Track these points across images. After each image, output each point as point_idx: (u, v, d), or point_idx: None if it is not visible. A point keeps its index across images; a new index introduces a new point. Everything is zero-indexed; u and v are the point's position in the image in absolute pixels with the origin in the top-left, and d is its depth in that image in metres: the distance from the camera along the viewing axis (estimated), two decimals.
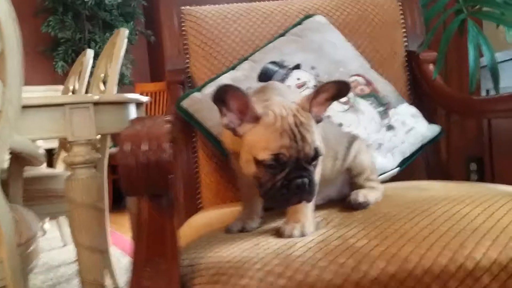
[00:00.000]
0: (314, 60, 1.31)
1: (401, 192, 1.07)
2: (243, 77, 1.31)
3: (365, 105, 1.26)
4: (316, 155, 0.84)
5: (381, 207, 0.95)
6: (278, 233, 0.88)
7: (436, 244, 0.76)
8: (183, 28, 1.50)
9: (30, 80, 4.41)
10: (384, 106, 1.28)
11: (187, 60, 1.48)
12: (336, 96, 0.89)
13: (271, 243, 0.83)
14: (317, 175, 0.87)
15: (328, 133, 0.98)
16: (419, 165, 1.43)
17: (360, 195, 0.97)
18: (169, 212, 0.84)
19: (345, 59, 1.34)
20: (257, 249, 0.82)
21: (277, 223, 0.95)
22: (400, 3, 1.58)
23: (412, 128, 1.28)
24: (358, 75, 1.32)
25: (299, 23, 1.42)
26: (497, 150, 1.73)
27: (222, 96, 0.86)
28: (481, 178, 2.05)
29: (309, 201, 0.86)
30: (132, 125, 0.83)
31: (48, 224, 3.32)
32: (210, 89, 1.30)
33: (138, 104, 1.84)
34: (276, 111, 0.85)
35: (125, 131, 0.81)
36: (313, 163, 0.85)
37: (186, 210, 1.40)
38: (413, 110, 1.33)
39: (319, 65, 1.30)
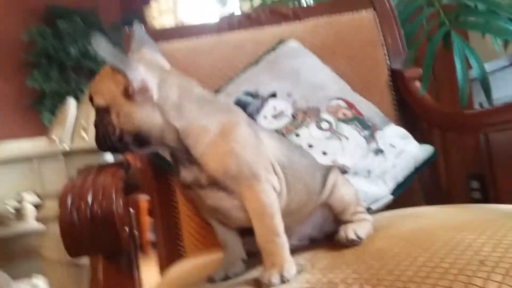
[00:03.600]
0: (290, 87, 1.22)
1: (396, 222, 0.96)
2: None
3: (349, 130, 1.16)
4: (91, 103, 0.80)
5: (375, 241, 0.84)
6: (258, 283, 0.76)
7: (439, 285, 0.64)
8: None
9: (19, 133, 4.35)
10: (369, 130, 1.18)
11: None
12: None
13: None
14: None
15: (298, 163, 0.87)
16: (416, 189, 1.32)
17: (350, 231, 0.85)
18: (129, 272, 0.72)
19: (323, 83, 1.25)
20: None
21: (260, 269, 0.83)
22: (378, 21, 1.50)
23: (403, 150, 1.17)
24: (339, 98, 1.22)
25: (273, 49, 1.33)
26: (499, 165, 1.62)
27: None
28: (485, 196, 1.94)
29: (99, 146, 0.79)
30: (78, 175, 0.73)
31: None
32: None
33: None
34: None
35: (67, 182, 0.70)
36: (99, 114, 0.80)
37: (167, 258, 1.29)
38: (401, 131, 1.22)
39: (296, 91, 1.21)
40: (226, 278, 0.84)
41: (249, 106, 1.19)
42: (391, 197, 1.14)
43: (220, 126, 0.79)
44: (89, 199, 0.67)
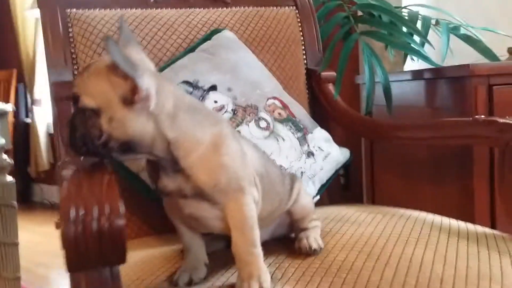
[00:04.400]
0: (230, 81, 1.22)
1: (335, 228, 1.04)
2: None
3: (284, 131, 1.21)
4: (75, 102, 0.76)
5: (333, 251, 0.90)
6: None
7: None
8: (69, 34, 1.30)
9: None
10: (301, 132, 1.24)
11: (76, 72, 1.28)
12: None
13: None
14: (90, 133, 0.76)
15: (272, 172, 0.90)
16: None
17: (313, 241, 0.91)
18: (117, 284, 0.69)
19: (260, 80, 1.27)
20: None
21: (224, 273, 0.86)
22: (299, 19, 1.55)
23: (329, 153, 1.26)
24: (274, 97, 1.25)
25: (208, 38, 1.31)
26: (378, 166, 1.81)
27: None
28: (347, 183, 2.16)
29: (75, 150, 0.77)
30: (69, 181, 0.66)
31: None
32: None
33: (1, 114, 1.58)
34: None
35: (64, 192, 0.64)
36: (81, 115, 0.75)
37: None
38: (325, 134, 1.31)
39: (236, 86, 1.21)
40: (191, 282, 0.84)
41: None
42: (318, 198, 1.22)
43: (211, 138, 0.78)
44: (95, 212, 0.62)
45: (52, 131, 4.26)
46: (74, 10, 1.31)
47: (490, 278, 0.79)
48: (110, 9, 1.34)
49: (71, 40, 1.29)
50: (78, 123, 0.75)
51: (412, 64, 1.87)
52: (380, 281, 0.78)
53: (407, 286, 0.77)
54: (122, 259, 0.64)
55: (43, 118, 4.23)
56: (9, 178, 1.65)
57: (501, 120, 1.02)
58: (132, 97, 0.73)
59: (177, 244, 1.00)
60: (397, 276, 0.80)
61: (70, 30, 1.30)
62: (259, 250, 0.81)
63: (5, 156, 1.62)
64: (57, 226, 0.93)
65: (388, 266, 0.83)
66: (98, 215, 0.62)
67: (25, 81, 4.31)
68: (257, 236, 0.81)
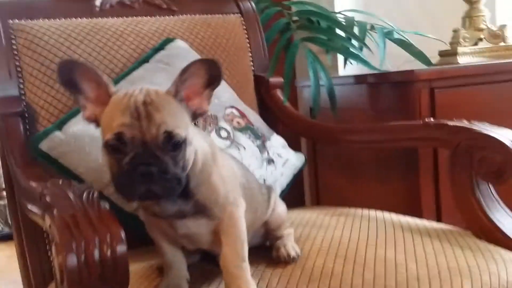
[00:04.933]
0: None
1: (304, 233, 1.07)
2: None
3: (244, 140, 1.22)
4: (171, 141, 0.73)
5: (310, 257, 0.93)
6: None
7: None
8: (13, 46, 1.23)
9: None
10: (260, 139, 1.26)
11: (22, 86, 1.22)
12: (210, 81, 0.79)
13: None
14: (183, 170, 0.75)
15: (252, 182, 0.92)
16: None
17: (290, 248, 0.93)
18: None
19: (216, 90, 1.27)
20: None
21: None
22: (244, 26, 1.57)
23: (287, 159, 1.29)
24: (232, 106, 1.26)
25: (161, 48, 1.30)
26: (322, 169, 1.87)
27: (71, 78, 0.75)
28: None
29: (163, 196, 0.75)
30: (63, 212, 0.64)
31: None
32: (76, 127, 1.09)
33: None
34: (129, 90, 0.77)
35: (61, 221, 0.62)
36: (173, 152, 0.73)
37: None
38: (282, 140, 1.34)
39: None
40: None
41: None
42: None
43: (207, 150, 0.79)
44: (96, 241, 0.60)
45: None
46: (17, 21, 1.25)
47: (460, 273, 0.85)
48: (54, 19, 1.29)
49: (15, 52, 1.23)
50: (168, 163, 0.72)
51: (347, 68, 1.94)
52: (363, 285, 0.82)
53: None
54: (124, 286, 0.63)
55: None
56: None
57: (451, 123, 1.09)
58: (196, 115, 0.76)
59: (151, 260, 0.99)
60: (377, 278, 0.84)
61: (13, 41, 1.23)
62: (247, 264, 0.82)
63: None
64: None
65: (367, 269, 0.87)
66: (100, 244, 0.60)
67: None
68: (246, 250, 0.82)
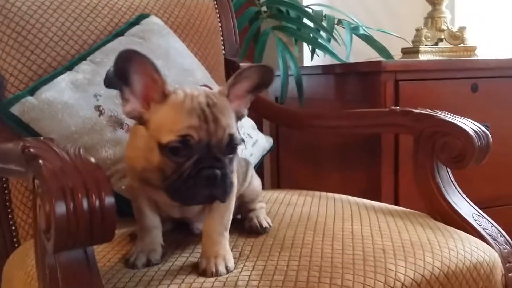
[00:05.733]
0: (163, 68, 1.20)
1: (273, 208, 1.10)
2: (85, 80, 1.12)
3: None
4: (232, 143, 0.75)
5: (280, 229, 0.96)
6: (199, 270, 0.81)
7: (367, 269, 0.82)
8: None
9: None
10: None
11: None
12: (258, 86, 0.81)
13: (207, 285, 0.76)
14: (234, 173, 0.79)
15: None
16: None
17: (263, 220, 0.96)
18: (93, 264, 0.68)
19: (191, 67, 1.29)
20: None
21: (181, 253, 0.87)
22: (217, 10, 1.58)
23: (257, 140, 1.32)
24: (205, 85, 1.28)
25: (136, 22, 1.29)
26: (284, 154, 1.91)
27: (125, 68, 0.72)
28: None
29: (222, 200, 0.76)
30: (49, 161, 0.64)
31: None
32: (49, 93, 1.08)
33: None
34: (187, 90, 0.77)
35: (48, 169, 0.62)
36: (229, 155, 0.76)
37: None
38: (251, 122, 1.36)
39: (169, 73, 1.21)
40: (149, 263, 0.85)
41: None
42: None
43: None
44: (84, 190, 0.60)
45: None
46: None
47: (421, 247, 0.90)
48: None
49: None
50: (226, 167, 0.74)
51: (313, 60, 1.99)
52: (333, 253, 0.85)
53: (357, 256, 0.85)
54: (110, 237, 0.64)
55: None
56: None
57: (416, 111, 1.15)
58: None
59: (121, 229, 1.00)
60: (345, 248, 0.88)
61: None
62: (227, 234, 0.85)
63: None
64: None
65: (335, 240, 0.91)
66: (88, 193, 0.61)
67: None
68: (230, 220, 0.85)
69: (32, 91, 1.09)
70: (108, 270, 0.84)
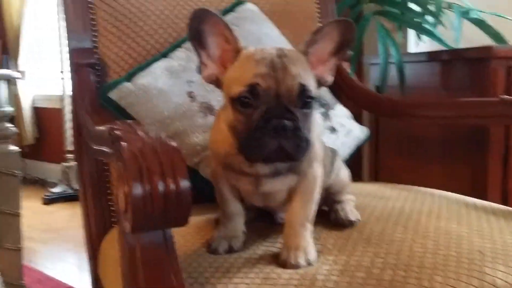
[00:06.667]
0: None
1: (364, 202, 1.05)
2: (180, 67, 1.15)
3: None
4: (304, 95, 0.70)
5: (369, 224, 0.91)
6: (279, 261, 0.78)
7: (460, 271, 0.75)
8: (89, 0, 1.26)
9: None
10: (324, 107, 1.24)
11: (95, 39, 1.25)
12: (340, 45, 0.76)
13: (284, 276, 0.74)
14: (311, 132, 0.74)
15: (320, 143, 0.91)
16: None
17: (349, 212, 0.92)
18: (171, 246, 0.69)
19: None
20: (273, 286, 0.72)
21: (262, 242, 0.86)
22: None
23: (350, 130, 1.27)
24: None
25: (231, 10, 1.29)
26: (383, 146, 1.83)
27: (199, 28, 0.72)
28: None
29: (295, 157, 0.71)
30: (131, 143, 0.65)
31: None
32: (144, 79, 1.11)
33: (8, 81, 1.54)
34: (259, 47, 0.75)
35: (128, 151, 0.63)
36: (303, 109, 0.71)
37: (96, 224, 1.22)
38: (346, 111, 1.31)
39: None
40: (230, 250, 0.84)
41: None
42: None
43: None
44: (161, 173, 0.61)
45: (37, 104, 4.18)
46: None
47: None
48: None
49: (91, 6, 1.26)
50: (300, 119, 0.70)
51: (413, 48, 1.88)
52: (424, 253, 0.79)
53: (451, 258, 0.78)
54: (185, 221, 0.63)
55: (28, 91, 4.14)
56: (13, 147, 1.62)
57: None
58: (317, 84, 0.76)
59: (207, 214, 1.00)
60: (438, 248, 0.81)
61: None
62: (310, 225, 0.82)
63: (9, 124, 1.59)
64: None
65: (429, 238, 0.84)
66: (164, 177, 0.61)
67: (9, 53, 4.19)
68: (314, 210, 0.82)
69: (129, 77, 1.13)
70: (190, 254, 0.85)
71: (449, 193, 1.14)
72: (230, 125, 0.73)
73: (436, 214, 0.96)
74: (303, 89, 0.70)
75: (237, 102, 0.70)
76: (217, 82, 0.77)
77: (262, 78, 0.69)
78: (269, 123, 0.68)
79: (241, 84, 0.69)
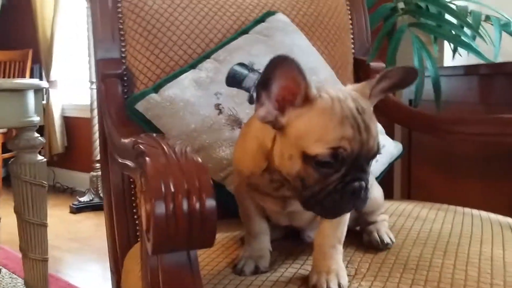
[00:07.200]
0: None
1: (399, 222, 0.99)
2: (208, 79, 1.11)
3: None
4: (377, 152, 0.69)
5: (405, 247, 0.86)
6: (309, 285, 0.74)
7: None
8: (118, 9, 1.25)
9: None
10: None
11: (123, 49, 1.23)
12: (395, 86, 0.74)
13: None
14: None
15: None
16: None
17: (384, 234, 0.86)
18: (196, 269, 0.65)
19: (315, 66, 1.22)
20: None
21: (291, 264, 0.81)
22: (349, 7, 1.50)
23: (384, 146, 1.21)
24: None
25: (262, 20, 1.26)
26: (416, 162, 1.76)
27: (272, 74, 0.66)
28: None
29: (360, 208, 0.72)
30: (155, 158, 0.62)
31: None
32: (171, 91, 1.08)
33: (37, 90, 1.53)
34: (331, 93, 0.68)
35: (152, 167, 0.59)
36: (370, 163, 0.70)
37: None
38: (379, 126, 1.26)
39: None
40: (257, 271, 0.80)
41: (245, 79, 1.12)
42: None
43: None
44: (185, 191, 0.57)
45: (67, 114, 4.22)
46: None
47: None
48: None
49: (120, 15, 1.24)
50: (369, 177, 0.70)
51: (449, 62, 1.81)
52: (466, 281, 0.73)
53: (495, 286, 0.72)
54: (210, 243, 0.59)
55: (58, 100, 4.18)
56: (40, 157, 1.61)
57: None
58: None
59: (233, 231, 0.96)
60: (481, 276, 0.75)
61: (119, 5, 1.24)
62: (341, 247, 0.77)
63: (37, 134, 1.58)
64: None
65: (470, 265, 0.78)
66: (189, 195, 0.57)
67: (41, 62, 4.25)
68: (344, 232, 0.77)
69: (156, 89, 1.10)
70: (215, 275, 0.81)
71: (491, 214, 1.07)
72: (296, 175, 0.68)
73: (478, 237, 0.90)
74: (378, 148, 0.68)
75: (314, 161, 0.66)
76: (274, 123, 0.70)
77: (349, 142, 0.65)
78: (348, 186, 0.66)
79: (324, 145, 0.65)
